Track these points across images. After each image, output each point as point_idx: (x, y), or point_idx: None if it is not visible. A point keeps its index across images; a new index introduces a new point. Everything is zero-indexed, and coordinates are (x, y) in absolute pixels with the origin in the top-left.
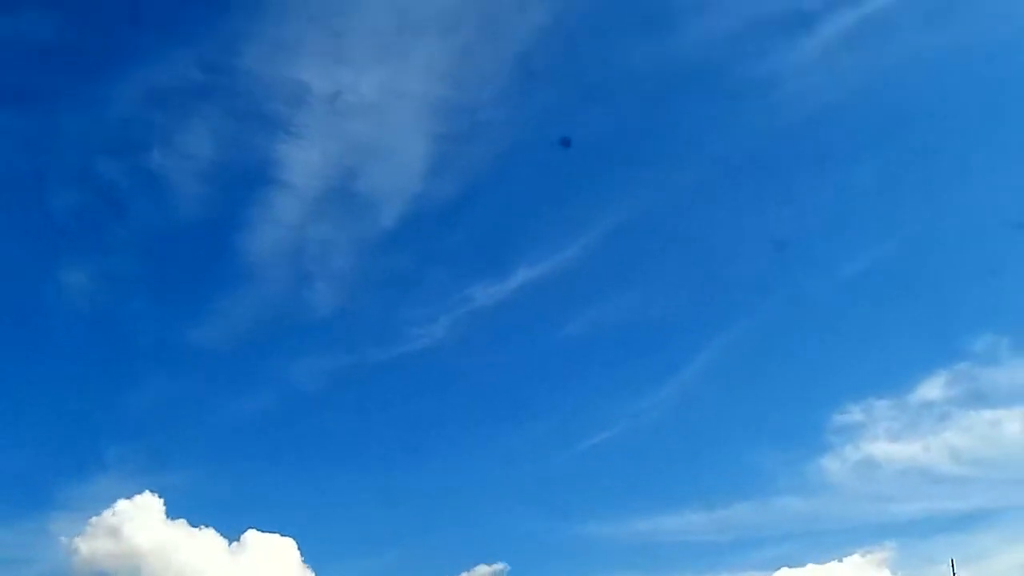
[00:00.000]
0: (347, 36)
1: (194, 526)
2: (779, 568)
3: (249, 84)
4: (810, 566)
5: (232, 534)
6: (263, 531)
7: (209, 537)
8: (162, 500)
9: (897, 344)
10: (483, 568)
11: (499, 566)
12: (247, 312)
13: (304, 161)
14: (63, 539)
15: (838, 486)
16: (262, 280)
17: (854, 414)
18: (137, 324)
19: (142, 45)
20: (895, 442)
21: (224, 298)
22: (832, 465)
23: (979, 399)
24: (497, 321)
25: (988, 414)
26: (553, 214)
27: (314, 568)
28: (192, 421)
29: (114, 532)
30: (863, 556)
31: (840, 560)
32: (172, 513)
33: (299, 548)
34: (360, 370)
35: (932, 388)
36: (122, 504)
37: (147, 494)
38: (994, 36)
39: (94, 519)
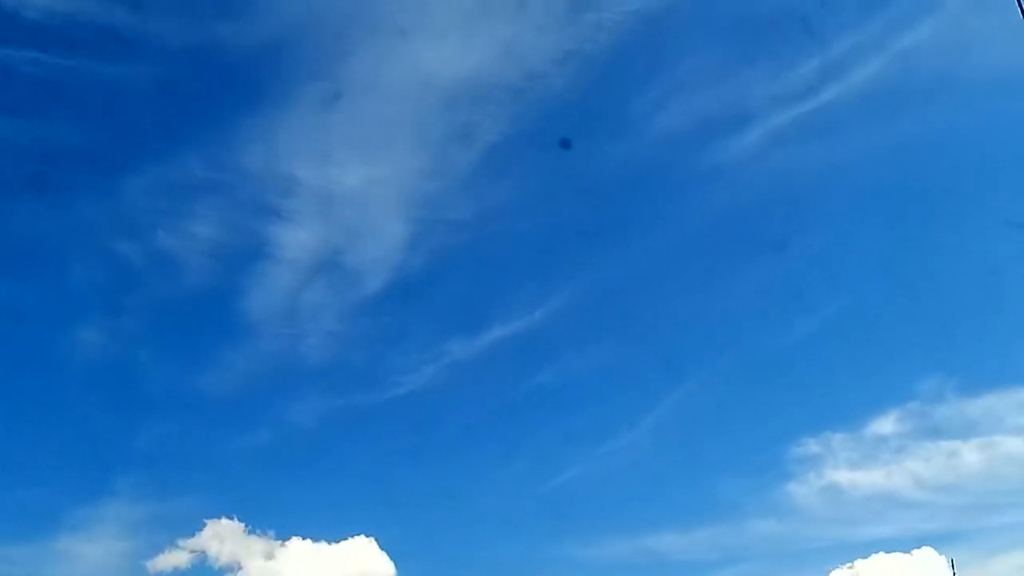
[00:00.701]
0: (334, 137)
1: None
2: None
3: (247, 178)
4: None
5: None
6: None
7: None
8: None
9: (849, 387)
10: None
11: None
12: (248, 363)
13: (296, 240)
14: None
15: (806, 509)
16: (260, 336)
17: (811, 447)
18: (148, 374)
19: (154, 146)
20: (856, 471)
21: (227, 352)
22: (798, 490)
23: (932, 433)
24: (474, 371)
25: (945, 445)
26: (522, 282)
27: None
28: (198, 454)
29: None
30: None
31: None
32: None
33: None
34: (350, 411)
35: (885, 424)
36: None
37: None
38: (925, 134)
39: None
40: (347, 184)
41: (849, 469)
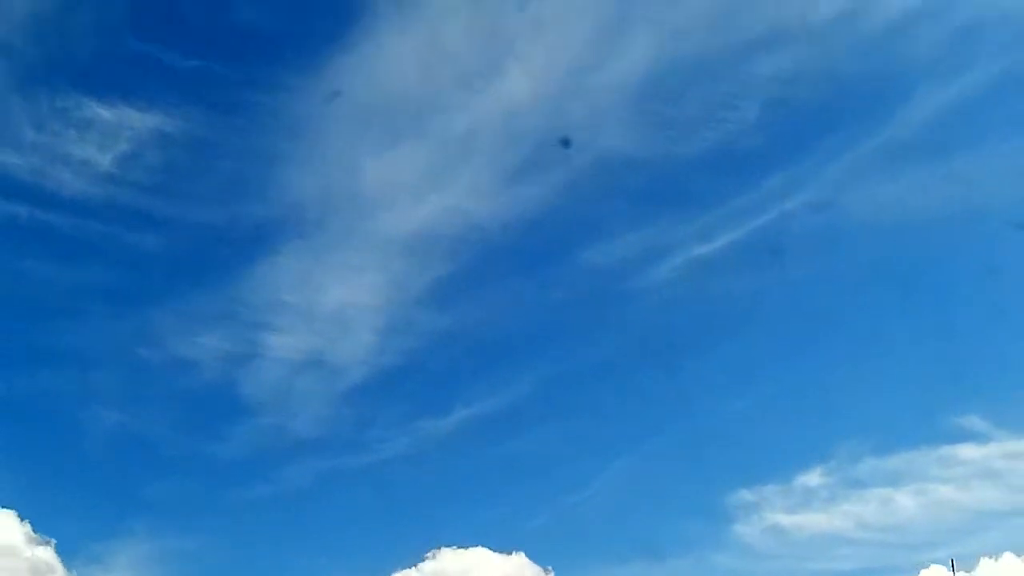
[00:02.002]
0: (316, 274)
1: None
2: None
3: (246, 305)
4: None
5: None
6: None
7: None
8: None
9: (775, 449)
10: None
11: None
12: (249, 436)
13: (285, 345)
14: None
15: (755, 547)
16: (259, 416)
17: (747, 496)
18: (164, 443)
19: (168, 286)
20: (795, 514)
21: (231, 427)
22: (744, 531)
23: (857, 484)
24: (445, 442)
25: (879, 491)
26: (481, 376)
27: None
28: (206, 506)
29: None
30: None
31: None
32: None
33: None
34: (339, 472)
35: (812, 477)
36: None
37: None
38: (818, 275)
39: None
40: (327, 305)
41: (786, 513)
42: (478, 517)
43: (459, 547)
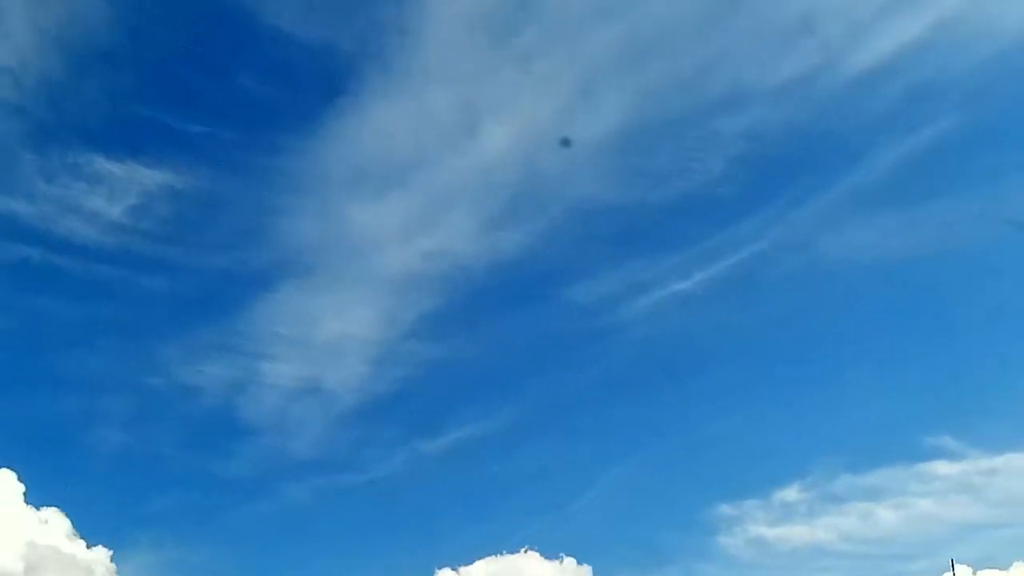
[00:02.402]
0: (309, 307)
1: None
2: None
3: (244, 337)
4: None
5: None
6: None
7: None
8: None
9: (753, 467)
10: None
11: None
12: (250, 454)
13: (282, 373)
14: None
15: (739, 558)
16: (259, 436)
17: (728, 510)
18: (171, 461)
19: (173, 322)
20: (776, 527)
21: (233, 446)
22: (728, 542)
23: (832, 500)
24: (437, 462)
25: (860, 506)
26: (473, 401)
27: None
28: (211, 520)
29: None
30: None
31: None
32: None
33: None
34: (337, 489)
35: (789, 493)
36: None
37: None
38: (790, 307)
39: None
40: (322, 337)
41: (768, 526)
42: (474, 530)
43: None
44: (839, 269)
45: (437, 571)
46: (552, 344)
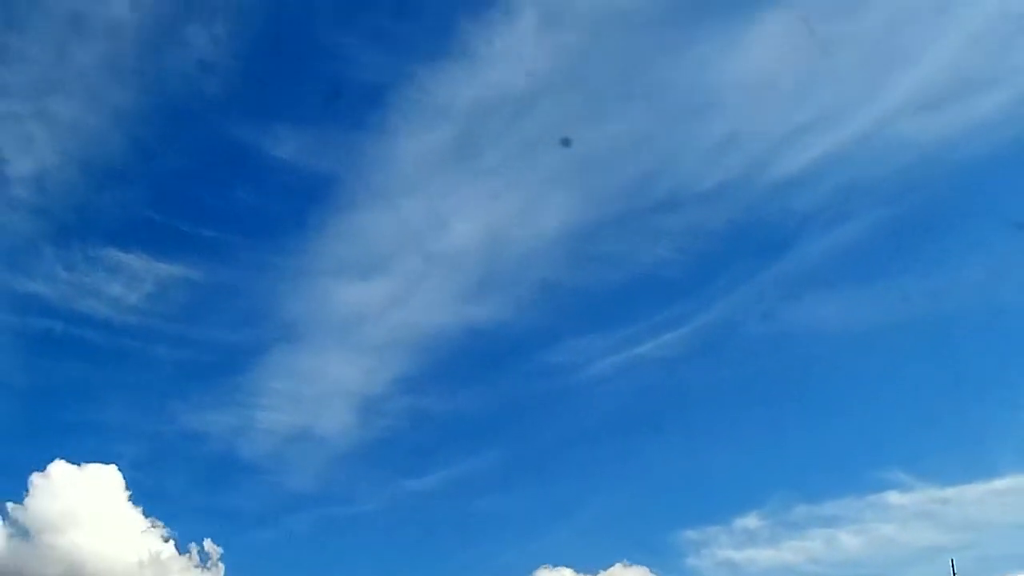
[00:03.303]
0: (299, 367)
1: None
2: None
3: (243, 391)
4: None
5: None
6: None
7: None
8: None
9: (711, 498)
10: None
11: None
12: (250, 488)
13: (278, 421)
14: None
15: None
16: (258, 474)
17: (691, 535)
18: (177, 495)
19: (182, 382)
20: (743, 550)
21: (233, 481)
22: (698, 563)
23: (792, 527)
24: (422, 499)
25: (821, 531)
26: (452, 448)
27: None
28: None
29: None
30: None
31: None
32: None
33: None
34: (332, 519)
35: (749, 521)
36: None
37: None
38: (725, 371)
39: None
40: (311, 391)
41: (735, 549)
42: (456, 558)
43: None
44: (782, 335)
45: None
46: (524, 398)
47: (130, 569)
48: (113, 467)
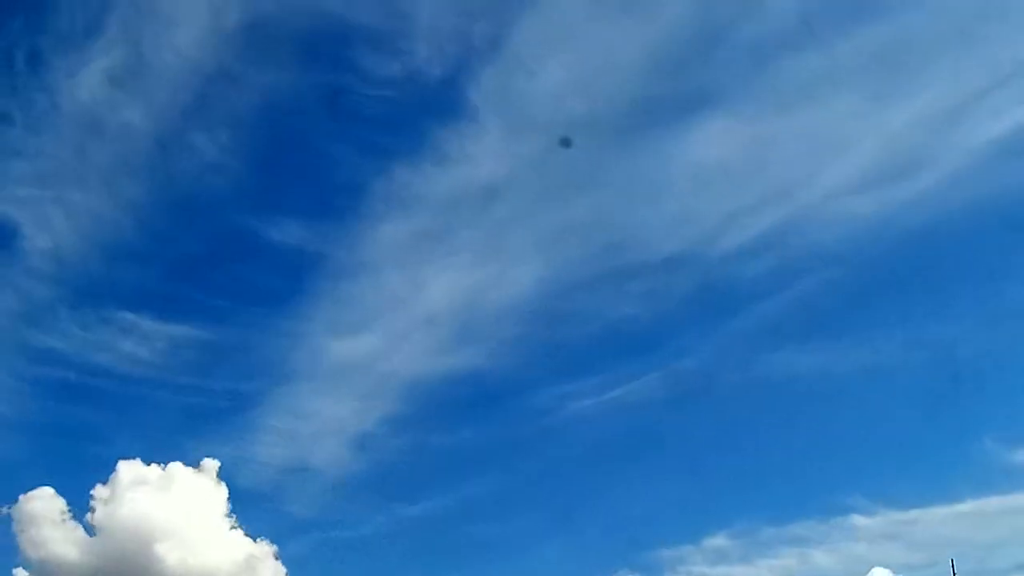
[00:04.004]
0: (292, 409)
1: None
2: None
3: (242, 429)
4: None
5: None
6: None
7: None
8: None
9: (682, 520)
10: None
11: None
12: (253, 517)
13: (276, 455)
14: None
15: None
16: (261, 502)
17: (665, 554)
18: None
19: (190, 423)
20: (717, 567)
21: (237, 511)
22: None
23: (761, 546)
24: (412, 524)
25: (792, 550)
26: (440, 478)
27: None
28: None
29: None
30: None
31: None
32: None
33: None
34: (331, 539)
35: (718, 540)
36: None
37: None
38: (690, 410)
39: None
40: (304, 429)
41: (709, 566)
42: None
43: None
44: (743, 380)
45: None
46: (506, 435)
47: None
48: None
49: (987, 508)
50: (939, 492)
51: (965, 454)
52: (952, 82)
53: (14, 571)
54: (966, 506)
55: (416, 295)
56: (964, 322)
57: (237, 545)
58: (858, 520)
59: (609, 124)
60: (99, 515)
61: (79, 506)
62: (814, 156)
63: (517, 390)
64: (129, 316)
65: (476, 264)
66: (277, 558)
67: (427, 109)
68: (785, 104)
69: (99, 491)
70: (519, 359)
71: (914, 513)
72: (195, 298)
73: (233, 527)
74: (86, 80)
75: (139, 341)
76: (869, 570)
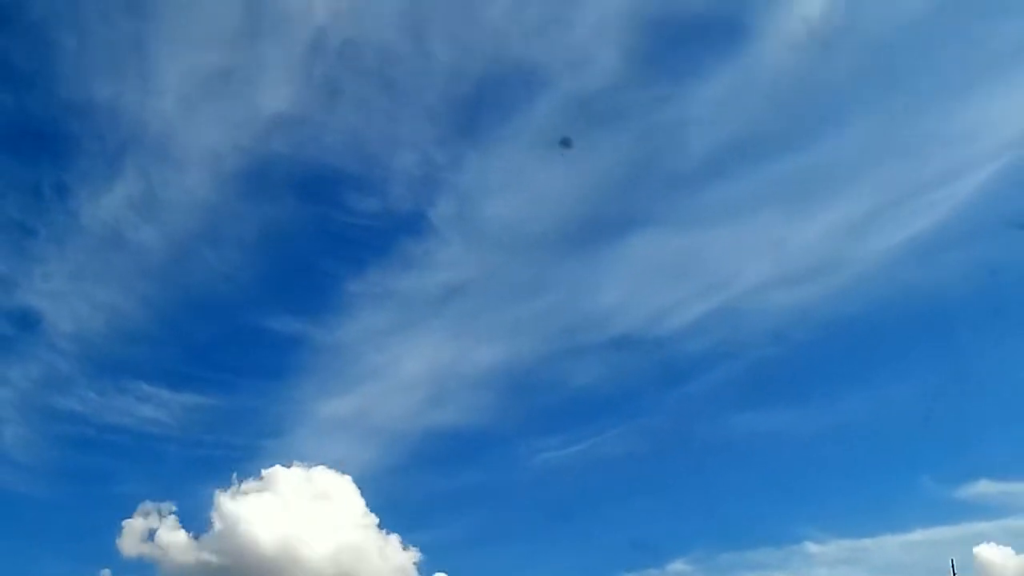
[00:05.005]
0: (290, 455)
1: None
2: None
3: (245, 473)
4: None
5: None
6: None
7: None
8: None
9: (643, 546)
10: None
11: None
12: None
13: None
14: None
15: None
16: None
17: None
18: None
19: (195, 469)
20: None
21: None
22: None
23: (721, 571)
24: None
25: (755, 574)
26: (433, 516)
27: None
28: None
29: None
30: None
31: None
32: None
33: None
34: None
35: (678, 565)
36: None
37: None
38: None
39: None
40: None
41: None
42: None
43: None
44: (695, 435)
45: None
46: (481, 479)
47: None
48: None
49: (936, 537)
50: (888, 523)
51: (908, 491)
52: (855, 201)
53: None
54: (916, 535)
55: (393, 367)
56: (890, 388)
57: None
58: (812, 548)
59: (553, 239)
60: None
61: None
62: (737, 260)
63: (490, 443)
64: (143, 386)
65: (446, 344)
66: None
67: (398, 228)
68: (708, 220)
69: None
70: (491, 418)
71: (866, 542)
72: (205, 376)
73: None
74: (107, 203)
75: (153, 407)
76: None
